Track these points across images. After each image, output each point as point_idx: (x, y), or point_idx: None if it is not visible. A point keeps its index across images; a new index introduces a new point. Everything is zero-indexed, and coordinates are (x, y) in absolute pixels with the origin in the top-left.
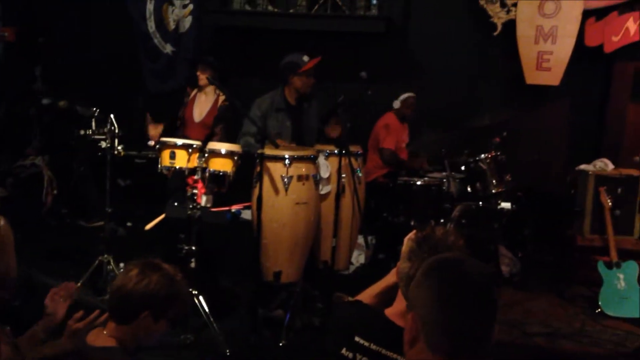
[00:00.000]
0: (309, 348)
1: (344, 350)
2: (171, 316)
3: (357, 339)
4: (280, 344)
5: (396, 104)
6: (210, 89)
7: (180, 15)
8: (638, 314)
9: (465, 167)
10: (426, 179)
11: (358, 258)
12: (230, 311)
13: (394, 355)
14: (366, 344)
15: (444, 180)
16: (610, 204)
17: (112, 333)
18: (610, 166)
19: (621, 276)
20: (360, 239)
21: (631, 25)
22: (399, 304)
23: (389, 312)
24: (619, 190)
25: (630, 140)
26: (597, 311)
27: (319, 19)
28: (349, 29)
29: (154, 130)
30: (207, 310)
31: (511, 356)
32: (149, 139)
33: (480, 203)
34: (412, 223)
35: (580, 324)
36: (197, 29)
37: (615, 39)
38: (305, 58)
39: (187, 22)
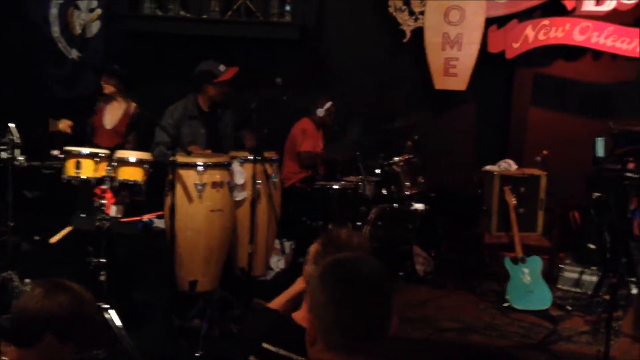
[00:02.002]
0: (227, 356)
1: (251, 359)
2: (79, 338)
3: (265, 345)
4: (197, 354)
5: (320, 112)
6: (120, 97)
7: (87, 19)
8: (542, 306)
9: (380, 170)
10: (342, 182)
11: (278, 263)
12: (145, 323)
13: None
14: (274, 349)
15: (360, 183)
16: (514, 202)
17: (13, 357)
18: (514, 166)
19: (526, 271)
20: (277, 244)
21: (530, 32)
22: (306, 307)
23: (296, 316)
24: (522, 189)
25: (532, 142)
26: (505, 305)
27: (232, 25)
28: (262, 35)
29: (62, 123)
30: (119, 323)
31: (425, 352)
32: (52, 149)
33: (395, 205)
34: (329, 227)
35: (490, 318)
36: (105, 34)
37: (515, 45)
38: (222, 67)
39: (95, 27)
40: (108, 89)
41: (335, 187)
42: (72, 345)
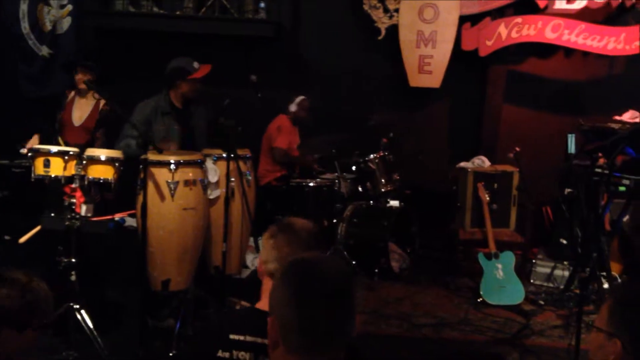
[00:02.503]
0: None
1: (219, 353)
2: (35, 324)
3: (231, 336)
4: (171, 354)
5: (292, 107)
6: (90, 92)
7: (58, 16)
8: (515, 301)
9: (355, 168)
10: (318, 180)
11: (253, 261)
12: (118, 324)
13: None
14: (241, 338)
15: (336, 180)
16: (487, 198)
17: None
18: (487, 163)
19: (499, 266)
20: (252, 242)
21: (502, 30)
22: (266, 295)
23: (259, 305)
24: (495, 185)
25: (505, 139)
26: (479, 300)
27: (206, 22)
28: (237, 32)
29: (31, 144)
30: (90, 324)
31: (400, 348)
32: (21, 147)
33: (371, 202)
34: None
35: (464, 313)
36: (76, 30)
37: (488, 43)
38: (196, 65)
39: (66, 24)
40: (81, 84)
41: (310, 184)
42: (30, 332)
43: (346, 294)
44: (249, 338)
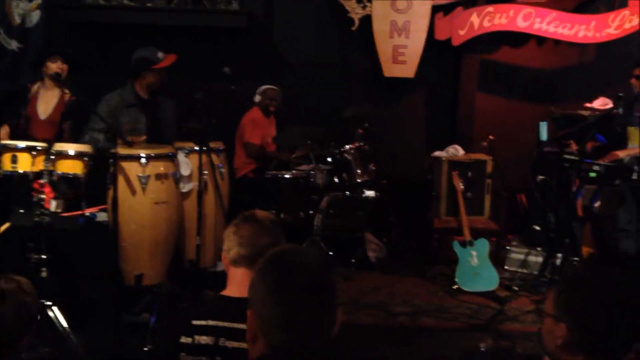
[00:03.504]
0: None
1: (182, 339)
2: (29, 334)
3: (194, 322)
4: (146, 349)
5: (257, 98)
6: (56, 85)
7: (27, 9)
8: (490, 287)
9: (331, 159)
10: (294, 172)
11: None
12: (92, 320)
13: (231, 325)
14: (203, 322)
15: (311, 172)
16: (462, 187)
17: None
18: (461, 152)
19: (474, 253)
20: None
21: (475, 19)
22: (231, 283)
23: (224, 293)
24: (470, 173)
25: (479, 127)
26: (454, 287)
27: (178, 14)
28: (210, 24)
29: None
30: (63, 321)
31: (377, 337)
32: None
33: (347, 193)
34: (281, 216)
35: (439, 300)
36: (46, 24)
37: (461, 32)
38: (160, 54)
39: (35, 17)
40: (52, 69)
41: (286, 176)
42: (24, 341)
43: (327, 287)
44: (210, 322)
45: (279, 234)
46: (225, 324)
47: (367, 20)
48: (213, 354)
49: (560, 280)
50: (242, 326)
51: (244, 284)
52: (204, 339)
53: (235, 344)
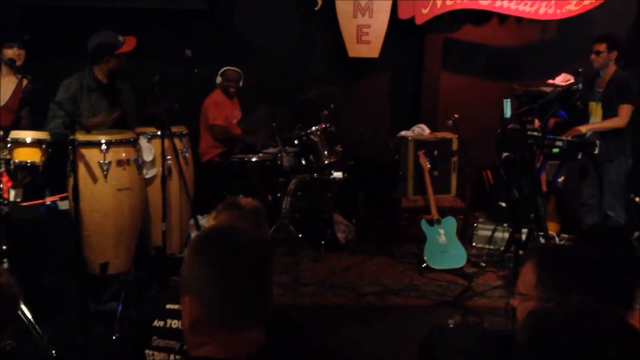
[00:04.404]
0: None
1: (155, 322)
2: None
3: (168, 306)
4: (114, 337)
5: (218, 79)
6: (12, 71)
7: None
8: (457, 264)
9: (298, 141)
10: (260, 155)
11: None
12: (57, 311)
13: None
14: (176, 307)
15: (278, 154)
16: (428, 166)
17: None
18: (427, 131)
19: (442, 231)
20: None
21: None
22: None
23: None
24: (436, 152)
25: (444, 106)
26: (423, 266)
27: None
28: (169, 6)
29: None
30: (27, 313)
31: (346, 317)
32: None
33: (314, 174)
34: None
35: (409, 279)
36: (4, 8)
37: (424, 11)
38: (121, 38)
39: None
40: (20, 57)
41: (253, 159)
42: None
43: (266, 265)
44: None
45: (260, 222)
46: None
47: (330, 0)
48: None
49: (540, 261)
50: None
51: None
52: (175, 323)
53: None
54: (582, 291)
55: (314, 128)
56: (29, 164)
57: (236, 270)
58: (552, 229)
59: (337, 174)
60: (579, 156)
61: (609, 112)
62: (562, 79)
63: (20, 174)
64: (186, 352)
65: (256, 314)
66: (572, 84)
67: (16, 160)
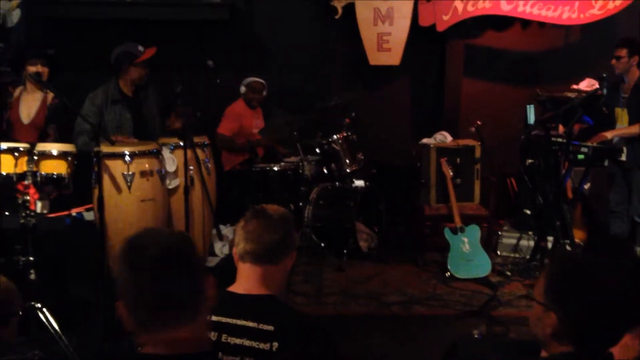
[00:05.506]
0: None
1: None
2: (15, 311)
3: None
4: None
5: (242, 89)
6: (37, 87)
7: (7, 8)
8: (482, 273)
9: (319, 150)
10: (282, 164)
11: (222, 249)
12: (83, 320)
13: (234, 321)
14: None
15: (300, 163)
16: (451, 173)
17: None
18: (449, 138)
19: (465, 240)
20: (214, 230)
21: (458, 4)
22: (239, 278)
23: (231, 288)
24: (458, 160)
25: (466, 113)
26: (447, 275)
27: (160, 7)
28: (192, 17)
29: None
30: (53, 322)
31: (370, 327)
32: None
33: (336, 183)
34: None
35: (432, 288)
36: (27, 22)
37: (445, 18)
38: (140, 48)
39: (16, 16)
40: (44, 74)
41: (275, 168)
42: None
43: (173, 261)
44: (214, 318)
45: (287, 230)
46: (229, 320)
47: (350, 8)
48: (215, 349)
49: (549, 268)
50: (246, 323)
51: (249, 280)
52: None
53: (237, 341)
54: (581, 304)
55: (335, 136)
56: (55, 176)
57: (137, 268)
58: (579, 236)
59: (359, 183)
60: (606, 163)
61: (635, 117)
62: (587, 84)
63: (47, 186)
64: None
65: (178, 314)
66: (596, 89)
67: (43, 173)
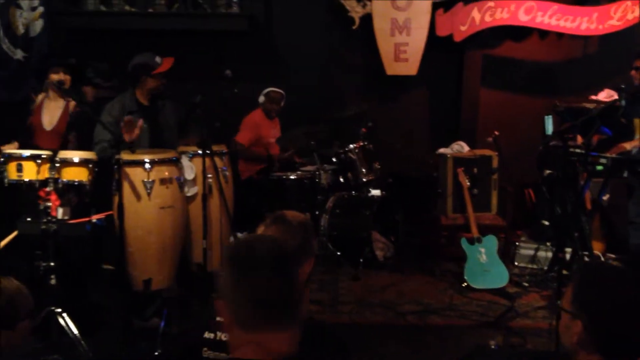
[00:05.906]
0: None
1: (206, 334)
2: (21, 315)
3: (218, 319)
4: (156, 354)
5: (260, 99)
6: (59, 94)
7: (30, 18)
8: (499, 284)
9: (336, 159)
10: (299, 172)
11: None
12: (102, 326)
13: None
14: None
15: (316, 172)
16: (468, 183)
17: None
18: (466, 148)
19: (482, 250)
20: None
21: (476, 14)
22: None
23: None
24: (475, 170)
25: (483, 123)
26: (463, 285)
27: (179, 18)
28: (211, 27)
29: (9, 148)
30: (73, 328)
31: (386, 336)
32: None
33: (353, 192)
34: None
35: (449, 298)
36: (49, 32)
37: (463, 28)
38: (158, 59)
39: (38, 26)
40: (66, 82)
41: (292, 177)
42: (21, 325)
43: (279, 264)
44: (223, 337)
45: (307, 237)
46: None
47: (367, 19)
48: None
49: (576, 277)
50: None
51: None
52: (225, 336)
53: None
54: (608, 313)
55: (352, 146)
56: (76, 183)
57: (248, 272)
58: (597, 248)
59: (376, 192)
60: (625, 174)
61: None
62: (605, 95)
63: (69, 192)
64: None
65: (282, 315)
66: (615, 100)
67: (64, 180)
